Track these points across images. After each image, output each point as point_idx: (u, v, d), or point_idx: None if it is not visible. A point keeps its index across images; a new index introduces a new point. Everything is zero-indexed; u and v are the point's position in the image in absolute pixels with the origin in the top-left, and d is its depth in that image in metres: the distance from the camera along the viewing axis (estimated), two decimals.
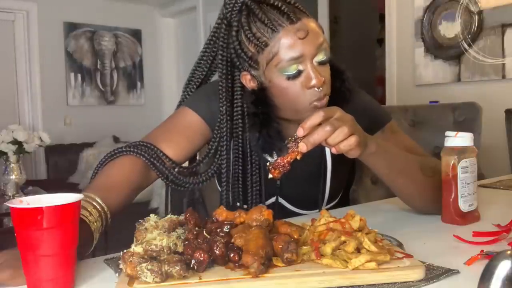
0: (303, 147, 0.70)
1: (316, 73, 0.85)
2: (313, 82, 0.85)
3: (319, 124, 0.71)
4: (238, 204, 1.01)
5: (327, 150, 1.01)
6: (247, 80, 0.92)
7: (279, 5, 0.85)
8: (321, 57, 0.86)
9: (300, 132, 0.71)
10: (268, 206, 1.01)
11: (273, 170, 0.74)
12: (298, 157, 0.73)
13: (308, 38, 0.85)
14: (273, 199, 1.04)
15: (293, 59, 0.85)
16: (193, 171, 0.99)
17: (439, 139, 1.63)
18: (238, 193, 0.98)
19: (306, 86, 0.86)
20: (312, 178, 1.01)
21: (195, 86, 1.05)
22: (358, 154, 0.75)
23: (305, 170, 1.00)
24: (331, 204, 1.07)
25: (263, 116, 0.92)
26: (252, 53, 0.88)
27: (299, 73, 0.86)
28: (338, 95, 0.93)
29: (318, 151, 1.01)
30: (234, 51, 0.90)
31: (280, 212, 1.00)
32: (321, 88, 0.86)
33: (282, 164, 0.74)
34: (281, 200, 1.04)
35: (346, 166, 1.07)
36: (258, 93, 0.92)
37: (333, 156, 1.01)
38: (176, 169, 0.94)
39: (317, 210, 1.03)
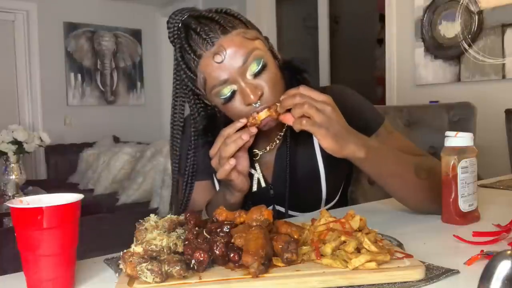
0: (280, 108, 0.78)
1: (247, 91, 0.84)
2: (247, 100, 0.84)
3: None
4: None
5: (317, 151, 1.00)
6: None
7: (198, 30, 0.85)
8: (254, 68, 0.84)
9: (283, 96, 0.78)
10: None
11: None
12: (277, 113, 0.80)
13: (228, 60, 0.83)
14: (270, 208, 1.03)
15: (220, 84, 0.85)
16: None
17: (434, 139, 1.63)
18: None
19: (244, 103, 0.85)
20: (306, 182, 1.01)
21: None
22: (330, 147, 0.75)
23: (298, 175, 1.00)
24: (330, 205, 1.06)
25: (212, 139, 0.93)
26: (193, 78, 0.90)
27: (233, 94, 0.86)
28: None
29: (309, 154, 1.00)
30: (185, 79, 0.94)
31: (280, 219, 0.99)
32: (258, 102, 0.84)
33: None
34: (278, 207, 1.03)
35: (340, 168, 1.06)
36: (210, 115, 0.97)
37: (325, 158, 1.00)
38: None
39: (317, 211, 1.03)
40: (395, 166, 0.86)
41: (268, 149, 1.01)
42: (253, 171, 1.00)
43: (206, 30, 0.84)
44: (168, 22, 0.90)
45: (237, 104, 0.86)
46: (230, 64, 0.83)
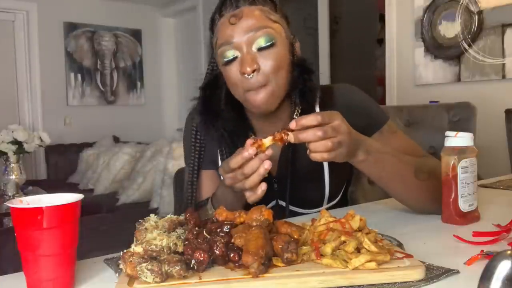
0: (291, 138, 0.74)
1: (246, 59, 0.87)
2: (242, 68, 0.87)
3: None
4: None
5: None
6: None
7: None
8: (261, 42, 0.88)
9: (292, 124, 0.74)
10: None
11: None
12: (284, 141, 0.76)
13: (241, 24, 0.87)
14: (273, 203, 1.04)
15: (225, 44, 0.89)
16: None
17: (434, 139, 1.63)
18: None
19: (239, 71, 0.88)
20: (310, 178, 1.01)
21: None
22: (341, 161, 0.78)
23: (302, 170, 1.00)
24: (332, 203, 1.07)
25: (210, 98, 0.97)
26: (212, 38, 0.95)
27: (234, 59, 0.89)
28: (301, 94, 0.94)
29: None
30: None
31: (282, 214, 1.00)
32: (252, 75, 0.87)
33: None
34: (281, 202, 1.04)
35: (344, 166, 1.06)
36: (212, 78, 0.99)
37: None
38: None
39: (319, 209, 1.03)
40: (395, 168, 0.86)
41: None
42: None
43: None
44: None
45: (234, 70, 0.89)
46: (241, 30, 0.87)
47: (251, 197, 0.80)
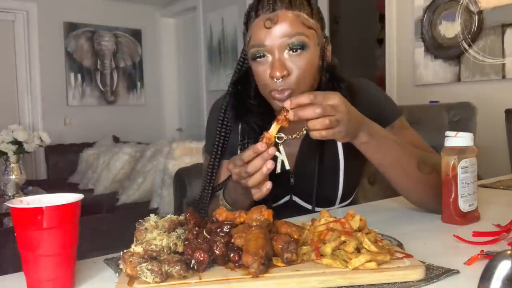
0: (290, 115, 0.76)
1: (276, 64, 0.88)
2: (272, 73, 0.88)
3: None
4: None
5: (339, 147, 1.02)
6: None
7: None
8: (293, 48, 0.89)
9: (287, 103, 0.76)
10: (283, 205, 1.02)
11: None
12: (288, 120, 0.77)
13: (276, 29, 0.88)
14: (287, 198, 1.04)
15: (258, 46, 0.90)
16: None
17: (434, 139, 1.63)
18: None
19: (269, 74, 0.90)
20: (325, 177, 1.02)
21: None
22: (343, 141, 0.82)
23: (318, 167, 1.01)
24: (345, 203, 1.07)
25: (240, 96, 0.99)
26: (245, 34, 0.96)
27: (264, 55, 0.90)
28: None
29: (332, 151, 1.01)
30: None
31: (294, 210, 1.01)
32: (280, 80, 0.88)
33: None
34: (295, 198, 1.04)
35: (358, 164, 1.07)
36: (243, 73, 1.01)
37: (345, 153, 1.02)
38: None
39: (330, 209, 1.03)
40: (397, 156, 0.87)
41: (293, 136, 1.02)
42: (276, 153, 1.01)
43: None
44: None
45: (263, 69, 0.91)
46: (275, 35, 0.88)
47: (255, 194, 0.82)
